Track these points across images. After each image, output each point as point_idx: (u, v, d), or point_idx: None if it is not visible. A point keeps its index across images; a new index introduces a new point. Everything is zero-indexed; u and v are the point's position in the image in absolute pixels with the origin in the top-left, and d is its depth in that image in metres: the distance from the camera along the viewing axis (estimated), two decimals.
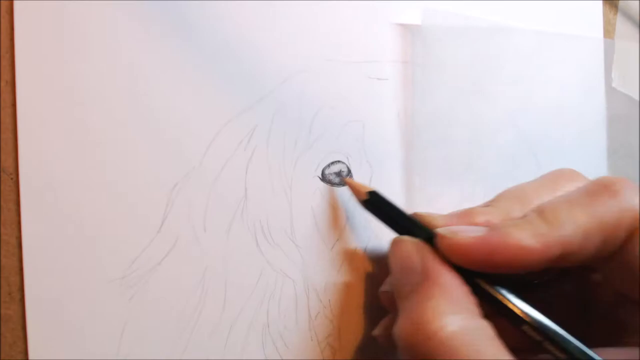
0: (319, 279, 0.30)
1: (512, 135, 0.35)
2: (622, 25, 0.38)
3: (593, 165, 0.37)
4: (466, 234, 0.23)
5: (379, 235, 0.31)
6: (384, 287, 0.28)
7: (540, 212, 0.23)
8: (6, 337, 0.26)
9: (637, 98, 0.38)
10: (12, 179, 0.25)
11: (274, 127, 0.29)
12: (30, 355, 0.25)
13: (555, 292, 0.27)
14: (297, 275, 0.30)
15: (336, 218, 0.30)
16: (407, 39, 0.32)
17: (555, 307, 0.23)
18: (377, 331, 0.29)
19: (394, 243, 0.26)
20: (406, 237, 0.26)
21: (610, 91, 0.37)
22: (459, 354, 0.20)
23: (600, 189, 0.23)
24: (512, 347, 0.21)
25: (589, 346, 0.22)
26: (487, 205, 0.26)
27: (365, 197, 0.28)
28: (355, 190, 0.29)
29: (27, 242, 0.25)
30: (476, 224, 0.25)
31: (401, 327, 0.22)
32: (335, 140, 0.30)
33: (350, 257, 0.31)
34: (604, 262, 0.23)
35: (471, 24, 0.33)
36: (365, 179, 0.31)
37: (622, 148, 0.38)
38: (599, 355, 0.21)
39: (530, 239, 0.22)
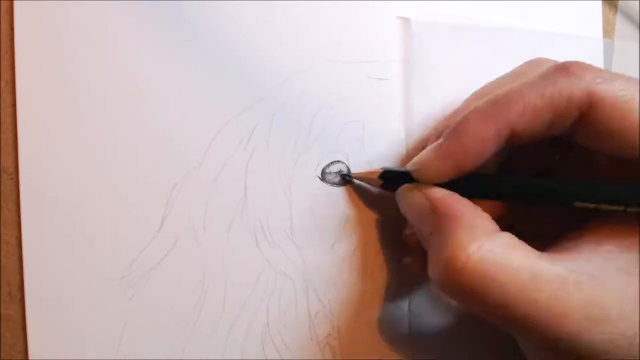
0: (319, 279, 0.30)
1: None
2: (622, 25, 0.38)
3: None
4: (428, 156, 0.25)
5: (379, 235, 0.31)
6: (406, 231, 0.29)
7: (493, 98, 0.24)
8: (6, 337, 0.26)
9: None
10: (12, 179, 0.25)
11: (274, 127, 0.29)
12: (30, 355, 0.25)
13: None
14: (296, 275, 0.30)
15: (336, 218, 0.30)
16: (407, 39, 0.32)
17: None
18: (407, 260, 0.30)
19: (400, 195, 0.27)
20: (408, 185, 0.27)
21: None
22: (490, 275, 0.22)
23: (554, 70, 0.24)
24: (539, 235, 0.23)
25: None
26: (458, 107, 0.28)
27: (379, 181, 0.28)
28: (367, 179, 0.30)
29: (27, 242, 0.25)
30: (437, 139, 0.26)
31: (433, 270, 0.24)
32: (335, 140, 0.30)
33: (350, 256, 0.31)
34: (570, 136, 0.24)
35: (470, 23, 0.33)
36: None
37: None
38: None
39: (480, 129, 0.24)
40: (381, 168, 0.29)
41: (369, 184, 0.30)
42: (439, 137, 0.26)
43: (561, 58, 0.36)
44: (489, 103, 0.24)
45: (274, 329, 0.29)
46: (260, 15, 0.29)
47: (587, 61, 0.36)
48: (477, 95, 0.28)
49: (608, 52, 0.37)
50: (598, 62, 0.37)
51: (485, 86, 0.29)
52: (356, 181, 0.30)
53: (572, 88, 0.23)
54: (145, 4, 0.27)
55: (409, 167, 0.26)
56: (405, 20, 0.32)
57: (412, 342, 0.32)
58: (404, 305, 0.32)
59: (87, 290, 0.26)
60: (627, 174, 0.24)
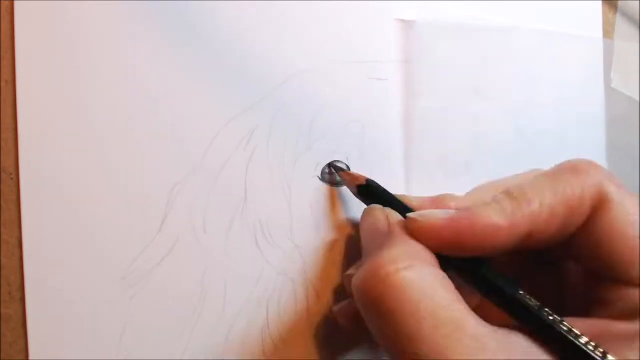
0: (318, 278, 0.30)
1: (511, 134, 0.35)
2: (622, 25, 0.38)
3: None
4: (434, 216, 0.24)
5: None
6: (349, 271, 0.28)
7: (508, 191, 0.24)
8: (6, 337, 0.26)
9: (637, 98, 0.38)
10: (12, 178, 0.25)
11: (274, 127, 0.29)
12: (31, 354, 0.25)
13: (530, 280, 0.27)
14: (296, 275, 0.30)
15: (336, 218, 0.30)
16: (407, 38, 0.32)
17: (532, 290, 0.24)
18: (336, 308, 0.29)
19: (366, 211, 0.27)
20: (377, 205, 0.27)
21: (610, 91, 0.37)
22: (410, 299, 0.20)
23: (564, 169, 0.24)
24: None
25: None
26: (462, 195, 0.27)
27: (356, 188, 0.29)
28: (348, 180, 0.29)
29: (27, 242, 0.25)
30: (447, 207, 0.25)
31: (356, 276, 0.22)
32: (335, 140, 0.30)
33: (349, 256, 0.31)
34: (571, 242, 0.24)
35: (470, 23, 0.33)
36: None
37: (622, 148, 0.38)
38: (573, 325, 0.22)
39: (497, 216, 0.23)
40: (365, 179, 0.29)
41: (348, 185, 0.30)
42: (437, 205, 0.26)
43: (560, 58, 0.36)
44: (506, 195, 0.23)
45: (274, 328, 0.29)
46: (260, 15, 0.29)
47: (587, 61, 0.37)
48: (488, 183, 0.28)
49: (608, 53, 0.37)
50: (598, 62, 0.37)
51: (497, 180, 0.28)
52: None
53: (584, 185, 0.23)
54: (145, 3, 0.27)
55: (409, 214, 0.24)
56: (406, 21, 0.32)
57: None
58: None
59: (87, 290, 0.26)
60: (592, 299, 0.24)
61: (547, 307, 0.22)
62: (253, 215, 0.29)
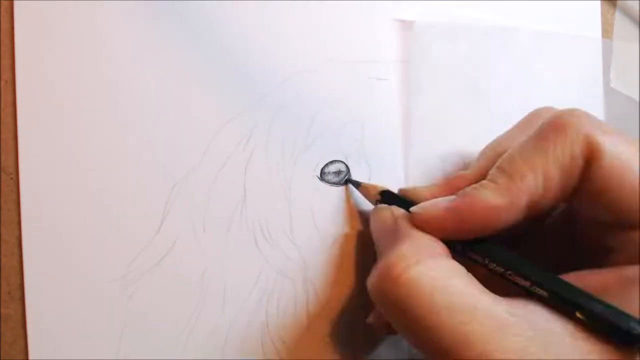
0: (318, 279, 0.30)
1: None
2: (621, 25, 0.38)
3: None
4: (436, 207, 0.24)
5: None
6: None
7: (500, 167, 0.24)
8: (6, 337, 0.26)
9: (636, 98, 0.38)
10: (12, 178, 0.25)
11: (274, 127, 0.29)
12: (30, 354, 0.25)
13: (539, 239, 0.28)
14: (296, 275, 0.30)
15: (336, 218, 0.30)
16: (407, 38, 0.32)
17: (543, 249, 0.24)
18: (370, 319, 0.29)
19: (374, 211, 0.27)
20: (384, 205, 0.27)
21: (609, 91, 0.37)
22: (424, 292, 0.21)
23: (549, 128, 0.24)
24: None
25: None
26: (467, 167, 0.28)
27: (378, 197, 0.28)
28: (366, 193, 0.29)
29: (27, 242, 0.25)
30: (457, 190, 0.25)
31: (370, 279, 0.23)
32: (334, 140, 0.30)
33: (349, 256, 0.31)
34: (573, 196, 0.24)
35: (470, 23, 0.33)
36: (363, 178, 0.31)
37: None
38: (585, 278, 0.22)
39: (495, 197, 0.23)
40: (382, 188, 0.29)
41: (365, 196, 0.30)
42: (447, 189, 0.26)
43: (559, 58, 0.36)
44: (499, 173, 0.24)
45: (274, 328, 0.29)
46: (260, 15, 0.29)
47: (586, 61, 0.37)
48: (490, 149, 0.28)
49: (607, 53, 0.37)
50: (597, 62, 0.37)
51: (497, 140, 0.28)
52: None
53: (572, 144, 0.23)
54: (145, 4, 0.27)
55: (412, 208, 0.25)
56: (405, 21, 0.32)
57: None
58: None
59: (87, 290, 0.26)
60: (603, 246, 0.24)
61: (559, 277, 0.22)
62: (253, 215, 0.29)
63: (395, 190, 0.29)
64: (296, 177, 0.30)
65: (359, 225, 0.31)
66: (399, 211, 0.26)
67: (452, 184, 0.27)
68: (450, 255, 0.23)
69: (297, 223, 0.30)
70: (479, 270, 0.23)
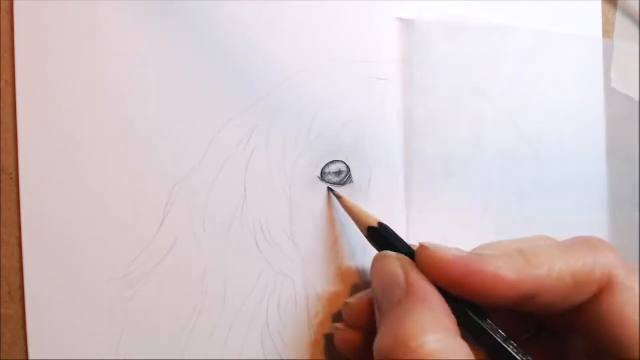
0: (319, 279, 0.30)
1: (510, 134, 0.35)
2: (622, 25, 0.38)
3: (592, 165, 0.37)
4: (447, 251, 0.24)
5: None
6: (351, 299, 0.28)
7: (521, 251, 0.24)
8: (6, 337, 0.26)
9: (637, 98, 0.38)
10: (12, 178, 0.25)
11: (274, 127, 0.29)
12: (30, 355, 0.25)
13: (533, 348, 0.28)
14: (296, 275, 0.30)
15: (335, 217, 0.30)
16: (407, 38, 0.32)
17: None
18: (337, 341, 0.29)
19: (378, 258, 0.26)
20: (390, 252, 0.26)
21: (610, 91, 0.37)
22: None
23: (579, 242, 0.25)
24: None
25: None
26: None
27: (365, 230, 0.28)
28: (358, 220, 0.29)
29: (27, 242, 0.25)
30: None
31: (382, 342, 0.23)
32: (334, 140, 0.30)
33: (349, 256, 0.31)
34: (576, 316, 0.25)
35: (469, 23, 0.33)
36: (364, 179, 0.31)
37: (622, 148, 0.38)
38: None
39: (507, 269, 0.23)
40: (378, 222, 0.28)
41: (358, 225, 0.29)
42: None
43: (560, 57, 0.36)
44: (518, 253, 0.24)
45: (274, 328, 0.29)
46: (260, 15, 0.29)
47: (587, 61, 0.37)
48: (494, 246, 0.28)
49: (608, 53, 0.37)
50: (598, 62, 0.37)
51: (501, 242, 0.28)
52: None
53: (596, 264, 0.24)
54: (146, 4, 0.27)
55: (423, 242, 0.25)
56: (405, 21, 0.32)
57: None
58: None
59: (87, 290, 0.26)
60: None
61: None
62: (253, 215, 0.29)
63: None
64: (296, 177, 0.30)
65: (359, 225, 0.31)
66: (408, 264, 0.25)
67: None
68: (460, 333, 0.23)
69: (297, 223, 0.30)
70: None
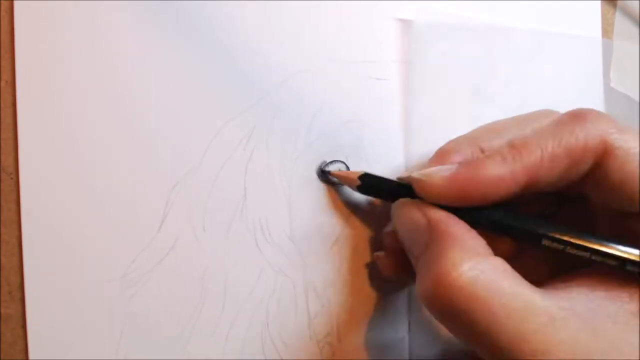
0: (318, 279, 0.30)
1: None
2: (621, 25, 0.38)
3: None
4: (438, 174, 0.25)
5: (378, 235, 0.31)
6: (387, 228, 0.29)
7: (510, 143, 0.24)
8: (6, 337, 0.26)
9: (636, 98, 0.38)
10: (12, 178, 0.25)
11: (274, 127, 0.29)
12: (30, 354, 0.25)
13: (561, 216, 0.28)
14: (296, 275, 0.30)
15: (335, 217, 0.30)
16: (407, 38, 0.32)
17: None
18: (378, 255, 0.29)
19: (396, 207, 0.27)
20: (405, 200, 0.27)
21: (609, 91, 0.37)
22: (480, 296, 0.22)
23: (568, 118, 0.25)
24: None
25: None
26: (461, 137, 0.28)
27: (358, 182, 0.28)
28: (346, 179, 0.29)
29: (27, 242, 0.25)
30: (451, 163, 0.26)
31: (422, 286, 0.23)
32: (334, 140, 0.30)
33: (349, 256, 0.31)
34: (583, 185, 0.25)
35: (470, 23, 0.33)
36: None
37: None
38: None
39: (497, 168, 0.24)
40: (362, 171, 0.29)
41: (348, 185, 0.30)
42: (441, 160, 0.26)
43: (559, 58, 0.36)
44: (508, 146, 0.24)
45: (274, 328, 0.29)
46: (260, 15, 0.29)
47: (586, 61, 0.37)
48: (487, 130, 0.28)
49: (607, 53, 0.37)
50: (597, 62, 0.37)
51: (495, 123, 0.29)
52: (334, 179, 0.30)
53: (587, 135, 0.24)
54: (145, 4, 0.27)
55: (413, 174, 0.26)
56: (405, 21, 0.32)
57: (411, 342, 0.32)
58: (403, 305, 0.32)
59: (87, 290, 0.26)
60: (624, 229, 0.24)
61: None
62: (253, 215, 0.29)
63: None
64: (296, 177, 0.30)
65: (359, 225, 0.31)
66: (430, 210, 0.25)
67: (445, 158, 0.27)
68: (491, 252, 0.24)
69: (297, 223, 0.30)
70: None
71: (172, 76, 0.27)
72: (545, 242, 0.24)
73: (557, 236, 0.24)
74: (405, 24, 0.32)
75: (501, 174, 0.24)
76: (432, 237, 0.24)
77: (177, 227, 0.28)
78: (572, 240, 0.24)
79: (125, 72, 0.27)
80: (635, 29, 0.38)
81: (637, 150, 0.23)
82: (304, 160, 0.30)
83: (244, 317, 0.29)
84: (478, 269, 0.22)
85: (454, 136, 0.33)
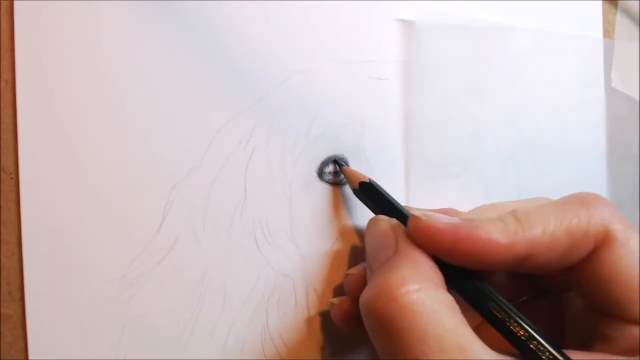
0: (318, 279, 0.30)
1: (510, 134, 0.35)
2: (622, 25, 0.38)
3: (592, 164, 0.37)
4: (438, 219, 0.24)
5: None
6: (351, 270, 0.29)
7: (514, 212, 0.24)
8: (6, 337, 0.26)
9: (637, 98, 0.38)
10: (12, 179, 0.25)
11: (274, 127, 0.29)
12: (30, 354, 0.25)
13: (530, 307, 0.28)
14: (296, 275, 0.30)
15: (335, 217, 0.30)
16: (407, 38, 0.32)
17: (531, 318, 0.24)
18: (334, 301, 0.29)
19: (372, 222, 0.27)
20: (383, 217, 0.27)
21: (610, 91, 0.37)
22: (419, 321, 0.21)
23: (573, 200, 0.24)
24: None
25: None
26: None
27: (356, 186, 0.28)
28: (350, 177, 0.29)
29: (27, 242, 0.25)
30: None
31: (366, 292, 0.23)
32: (335, 140, 0.30)
33: (349, 256, 0.31)
34: (573, 274, 0.24)
35: (470, 23, 0.33)
36: None
37: (621, 148, 0.38)
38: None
39: (498, 233, 0.23)
40: (367, 178, 0.28)
41: (349, 183, 0.30)
42: (445, 212, 0.26)
43: (560, 57, 0.36)
44: (512, 216, 0.24)
45: (274, 328, 0.29)
46: (260, 15, 0.29)
47: (587, 61, 0.37)
48: (491, 207, 0.28)
49: (608, 52, 0.37)
50: (598, 62, 0.37)
51: (501, 203, 0.28)
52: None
53: (591, 220, 0.23)
54: (145, 4, 0.27)
55: (415, 213, 0.25)
56: (406, 21, 0.32)
57: None
58: None
59: (87, 290, 0.26)
60: (593, 333, 0.24)
61: (538, 336, 0.22)
62: (253, 215, 0.29)
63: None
64: (296, 177, 0.30)
65: (359, 225, 0.31)
66: (399, 227, 0.25)
67: (447, 213, 0.26)
68: (446, 287, 0.23)
69: (297, 223, 0.30)
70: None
71: (172, 76, 0.27)
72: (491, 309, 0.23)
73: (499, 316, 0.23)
74: (406, 24, 0.32)
75: (500, 239, 0.23)
76: (395, 254, 0.24)
77: (177, 227, 0.28)
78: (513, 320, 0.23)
79: (125, 72, 0.27)
80: (636, 29, 0.38)
81: (637, 248, 0.23)
82: (304, 160, 0.30)
83: (244, 317, 0.29)
84: (426, 294, 0.21)
85: (454, 136, 0.33)
